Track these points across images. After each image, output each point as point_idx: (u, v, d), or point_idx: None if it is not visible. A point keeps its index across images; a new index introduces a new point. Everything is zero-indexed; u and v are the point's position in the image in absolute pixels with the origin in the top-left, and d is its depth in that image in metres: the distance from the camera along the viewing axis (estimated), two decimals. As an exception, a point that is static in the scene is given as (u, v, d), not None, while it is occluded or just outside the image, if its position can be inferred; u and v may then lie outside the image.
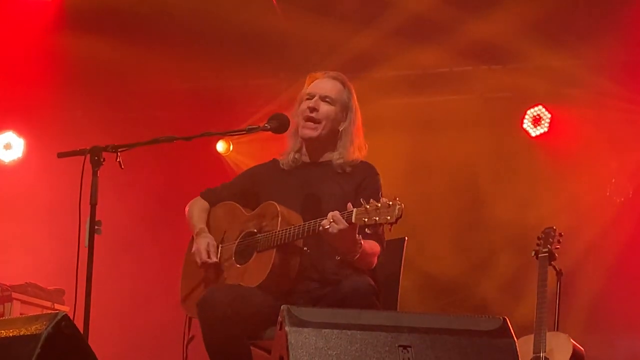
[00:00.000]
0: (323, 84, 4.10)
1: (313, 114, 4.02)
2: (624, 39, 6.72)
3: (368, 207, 3.54)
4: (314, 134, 4.03)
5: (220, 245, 4.07)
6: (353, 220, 3.57)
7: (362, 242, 3.71)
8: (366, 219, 3.53)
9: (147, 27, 6.88)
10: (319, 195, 3.97)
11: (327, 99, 4.04)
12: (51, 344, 2.79)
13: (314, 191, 3.99)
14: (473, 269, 7.23)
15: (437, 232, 7.27)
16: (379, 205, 3.51)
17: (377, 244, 3.83)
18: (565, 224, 5.95)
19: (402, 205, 3.49)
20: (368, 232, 3.71)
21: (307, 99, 4.06)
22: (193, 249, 4.03)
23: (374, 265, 3.86)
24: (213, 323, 3.70)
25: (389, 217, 3.49)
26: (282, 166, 4.13)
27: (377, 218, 3.51)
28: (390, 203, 3.50)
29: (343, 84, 4.11)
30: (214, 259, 3.96)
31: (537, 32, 6.73)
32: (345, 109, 4.07)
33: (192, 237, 4.16)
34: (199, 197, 4.24)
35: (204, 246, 3.98)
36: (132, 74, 7.27)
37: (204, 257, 3.96)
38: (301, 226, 3.77)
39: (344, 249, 3.72)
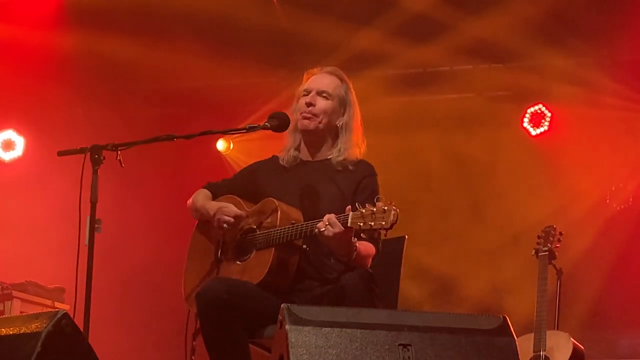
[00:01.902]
0: (320, 79, 4.09)
1: (310, 109, 4.02)
2: (625, 37, 6.72)
3: (364, 211, 3.54)
4: (312, 126, 4.03)
5: (221, 241, 4.08)
6: (349, 224, 3.58)
7: (357, 245, 3.72)
8: (361, 224, 3.54)
9: (148, 26, 6.87)
10: (317, 195, 3.97)
11: (323, 94, 4.04)
12: (52, 342, 2.80)
13: (313, 190, 3.99)
14: (473, 268, 7.23)
15: (436, 230, 7.28)
16: (375, 210, 3.52)
17: (372, 246, 3.83)
18: (565, 223, 5.96)
19: (398, 210, 3.50)
20: (363, 236, 3.72)
21: (304, 95, 4.07)
22: (216, 219, 3.99)
23: (368, 266, 3.85)
24: (210, 312, 3.69)
25: (383, 223, 3.49)
26: (281, 162, 4.13)
27: (372, 223, 3.51)
28: (386, 208, 3.50)
29: (340, 79, 4.11)
30: (243, 213, 3.95)
31: (537, 30, 6.73)
32: (343, 103, 4.06)
33: (197, 226, 4.17)
34: (201, 189, 4.24)
35: (232, 207, 3.97)
36: (132, 72, 7.27)
37: (234, 211, 3.95)
38: (298, 227, 3.78)
39: (339, 250, 3.72)
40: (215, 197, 4.18)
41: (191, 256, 4.19)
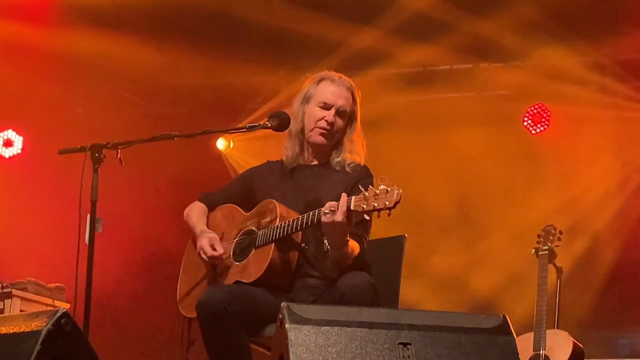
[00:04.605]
0: (340, 94, 4.09)
1: (329, 127, 4.04)
2: (625, 37, 6.72)
3: (366, 194, 3.55)
4: (325, 142, 4.07)
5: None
6: (352, 207, 3.58)
7: (349, 237, 3.71)
8: (365, 205, 3.54)
9: (147, 24, 6.87)
10: (316, 198, 3.96)
11: (342, 114, 4.07)
12: (51, 340, 2.79)
13: (312, 194, 3.99)
14: (473, 267, 7.23)
15: (436, 229, 7.28)
16: (377, 192, 3.53)
17: (357, 246, 3.83)
18: (565, 222, 5.96)
19: (401, 190, 3.50)
20: (367, 217, 3.70)
21: (322, 107, 4.06)
22: (197, 247, 4.02)
23: (348, 264, 3.82)
24: (213, 325, 3.69)
25: (387, 203, 3.49)
26: (284, 161, 4.12)
27: (376, 204, 3.52)
28: (389, 189, 3.51)
29: (353, 95, 4.14)
30: (220, 251, 3.95)
31: (537, 29, 6.74)
32: (351, 119, 4.12)
33: (192, 238, 4.16)
34: (196, 202, 4.25)
35: (207, 241, 3.98)
36: (132, 71, 7.26)
37: (209, 251, 3.95)
38: (298, 218, 3.78)
39: (337, 239, 3.70)
40: (211, 208, 4.20)
41: (188, 261, 4.19)
